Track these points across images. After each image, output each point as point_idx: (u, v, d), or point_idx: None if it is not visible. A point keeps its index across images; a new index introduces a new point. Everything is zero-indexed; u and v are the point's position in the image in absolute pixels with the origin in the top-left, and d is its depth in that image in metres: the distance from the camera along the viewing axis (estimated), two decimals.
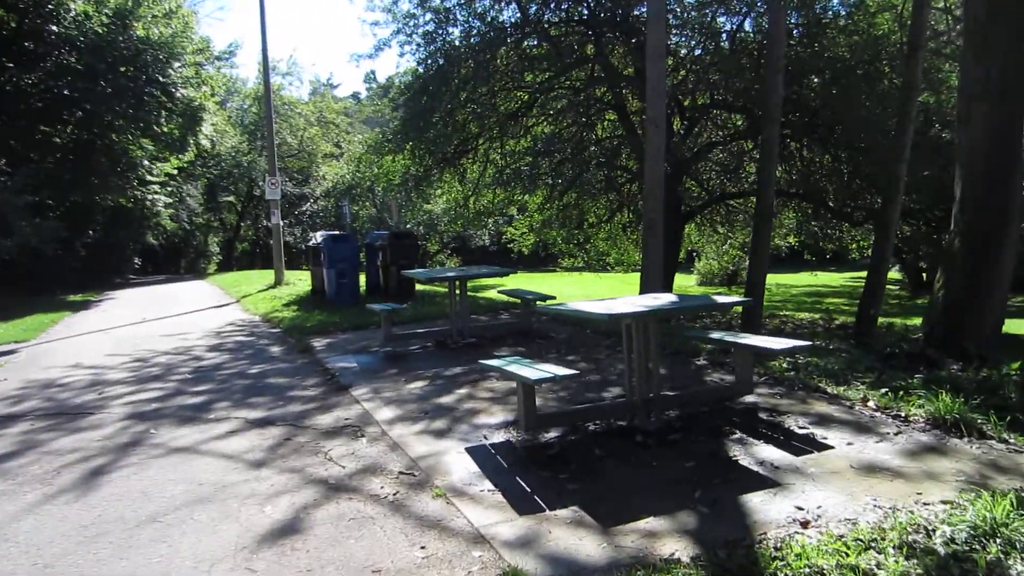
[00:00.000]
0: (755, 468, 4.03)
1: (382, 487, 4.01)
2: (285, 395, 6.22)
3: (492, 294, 14.94)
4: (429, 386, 6.23)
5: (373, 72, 66.32)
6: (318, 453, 4.63)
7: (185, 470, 4.42)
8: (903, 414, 4.84)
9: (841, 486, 3.73)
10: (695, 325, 9.66)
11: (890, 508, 3.42)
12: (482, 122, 14.90)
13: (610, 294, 22.96)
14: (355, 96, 59.56)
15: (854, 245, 15.01)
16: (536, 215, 18.19)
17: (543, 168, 13.46)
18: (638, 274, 26.66)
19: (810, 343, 4.94)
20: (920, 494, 3.60)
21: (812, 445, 4.36)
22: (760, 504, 3.55)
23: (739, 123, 14.25)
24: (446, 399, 5.78)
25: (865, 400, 5.18)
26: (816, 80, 11.88)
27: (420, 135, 14.09)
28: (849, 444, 4.35)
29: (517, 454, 4.46)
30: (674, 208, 13.95)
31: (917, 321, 16.95)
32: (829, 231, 13.64)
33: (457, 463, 4.31)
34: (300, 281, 17.20)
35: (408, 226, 29.84)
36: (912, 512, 3.34)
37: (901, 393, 5.25)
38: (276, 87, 34.66)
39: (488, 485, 3.93)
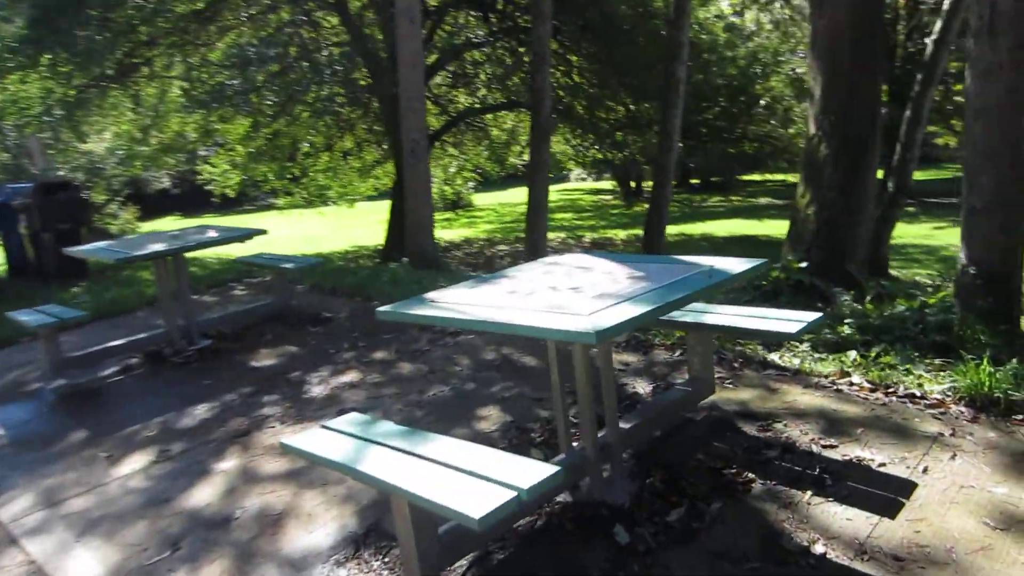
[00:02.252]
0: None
1: None
2: None
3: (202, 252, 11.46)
4: (160, 464, 3.45)
5: None
6: None
7: None
8: (917, 393, 3.44)
9: None
10: None
11: None
12: (154, 25, 11.01)
13: (339, 231, 20.13)
14: None
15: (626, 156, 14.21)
16: (240, 148, 14.69)
17: (259, 80, 10.22)
18: (368, 206, 24.14)
19: (821, 315, 3.25)
20: None
21: (879, 483, 2.71)
22: None
23: (479, 24, 12.30)
24: (204, 492, 3.12)
25: (845, 375, 3.72)
26: None
27: (63, 43, 9.86)
28: (924, 471, 2.78)
29: None
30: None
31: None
32: (614, 144, 12.50)
33: None
34: None
35: (61, 174, 23.45)
36: None
37: (874, 355, 3.90)
38: None
39: None
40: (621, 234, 17.06)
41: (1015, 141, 4.13)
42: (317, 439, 2.45)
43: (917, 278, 8.40)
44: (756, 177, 28.86)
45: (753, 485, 2.77)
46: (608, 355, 2.80)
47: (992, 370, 3.28)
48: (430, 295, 2.83)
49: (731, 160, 15.89)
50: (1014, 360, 3.36)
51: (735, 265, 2.69)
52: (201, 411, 4.04)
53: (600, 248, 14.85)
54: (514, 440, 3.31)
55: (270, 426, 3.72)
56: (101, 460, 3.54)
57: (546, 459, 3.08)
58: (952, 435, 3.04)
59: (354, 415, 2.65)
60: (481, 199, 29.40)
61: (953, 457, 2.86)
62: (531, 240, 10.03)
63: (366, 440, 2.36)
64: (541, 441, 3.27)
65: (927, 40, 8.15)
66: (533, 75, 9.31)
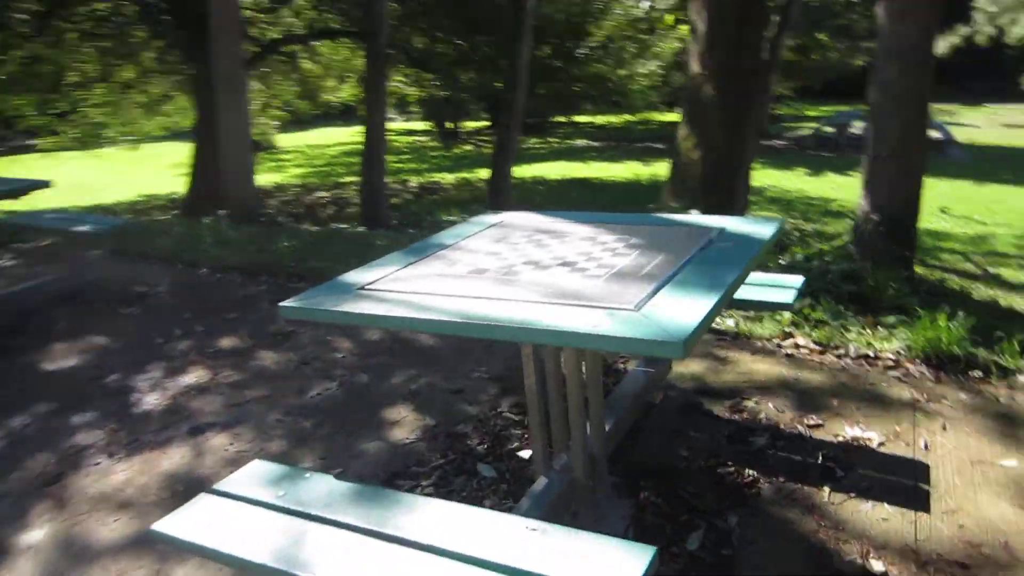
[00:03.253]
0: None
1: None
2: None
3: None
4: None
5: None
6: None
7: None
8: (870, 354, 3.20)
9: None
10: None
11: None
12: None
13: (122, 178, 17.46)
14: None
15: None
16: None
17: None
18: (158, 148, 21.20)
19: (804, 279, 2.82)
20: None
21: (891, 468, 2.38)
22: None
23: None
24: None
25: (788, 336, 3.41)
26: None
27: None
28: (926, 447, 2.50)
29: None
30: None
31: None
32: (452, 81, 11.51)
33: None
34: None
35: None
36: None
37: (805, 312, 3.64)
38: None
39: None
40: (449, 177, 16.29)
41: (924, 85, 4.00)
42: (212, 518, 1.59)
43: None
44: (564, 119, 29.16)
45: (760, 485, 2.32)
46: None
47: (949, 326, 3.10)
48: (352, 278, 1.99)
49: (568, 100, 15.57)
50: (961, 314, 3.21)
51: (750, 227, 2.15)
52: None
53: (431, 193, 14.05)
54: (449, 452, 2.60)
55: (93, 462, 2.67)
56: None
57: (500, 476, 2.44)
58: (927, 400, 2.80)
59: (260, 466, 1.79)
60: (285, 140, 27.08)
61: (944, 428, 2.61)
62: (368, 185, 9.04)
63: (297, 514, 1.55)
64: (486, 451, 2.59)
65: None
66: None
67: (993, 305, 4.19)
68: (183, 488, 2.45)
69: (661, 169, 15.61)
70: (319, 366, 3.40)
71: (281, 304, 1.86)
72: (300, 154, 23.93)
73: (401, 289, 1.85)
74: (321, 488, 1.64)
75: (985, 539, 2.04)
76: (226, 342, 3.75)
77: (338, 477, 1.69)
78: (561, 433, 2.19)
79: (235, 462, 2.60)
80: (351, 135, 30.63)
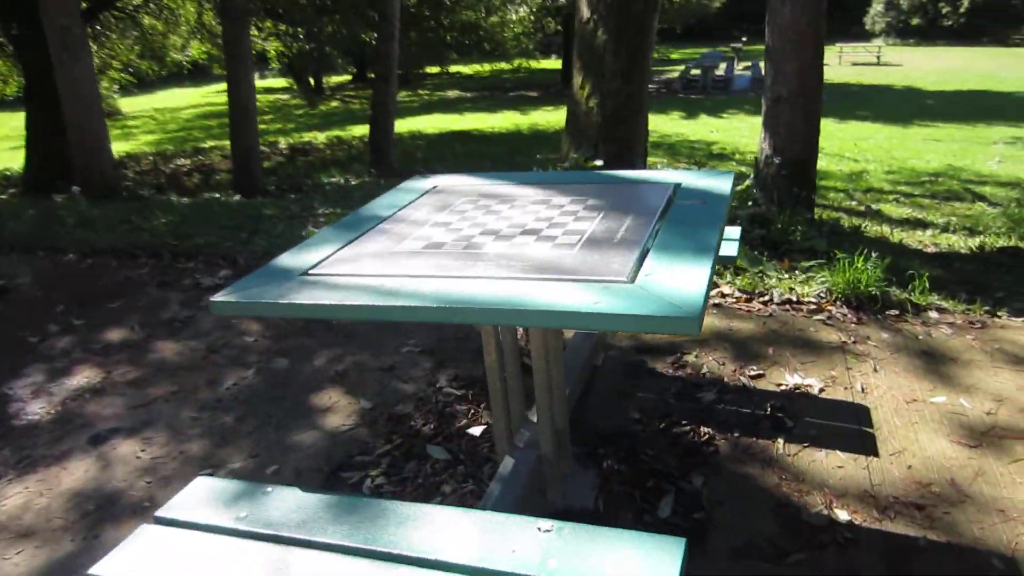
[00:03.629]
0: None
1: None
2: None
3: None
4: None
5: None
6: None
7: None
8: (793, 299, 3.29)
9: None
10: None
11: None
12: None
13: None
14: None
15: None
16: None
17: None
18: None
19: (740, 227, 2.80)
20: None
21: (835, 414, 2.46)
22: None
23: None
24: None
25: (714, 286, 3.44)
26: None
27: None
28: (863, 391, 2.60)
29: None
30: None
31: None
32: (317, 32, 10.73)
33: None
34: None
35: None
36: None
37: (739, 260, 3.69)
38: None
39: None
40: (320, 136, 15.52)
41: (820, 25, 4.08)
42: (162, 552, 1.36)
43: (659, 165, 8.78)
44: (435, 70, 28.40)
45: (716, 442, 2.33)
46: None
47: (866, 267, 3.22)
48: (288, 262, 1.75)
49: (438, 50, 14.97)
50: (874, 255, 3.35)
51: (706, 181, 2.08)
52: None
53: (304, 154, 13.33)
54: (393, 437, 2.43)
55: None
56: None
57: (454, 457, 2.31)
58: (854, 342, 2.92)
59: (205, 483, 1.55)
60: (129, 105, 24.81)
61: (875, 370, 2.72)
62: (239, 149, 8.41)
63: (269, 538, 1.35)
64: (433, 432, 2.44)
65: None
66: None
67: (885, 242, 4.46)
68: (95, 507, 2.15)
69: (540, 118, 15.63)
70: (229, 353, 3.10)
71: (212, 299, 1.60)
72: (149, 119, 22.00)
73: (352, 272, 1.64)
74: (289, 504, 1.44)
75: (933, 478, 2.13)
76: (114, 335, 3.33)
77: (304, 490, 1.49)
78: (518, 408, 2.08)
79: (151, 471, 2.32)
80: (204, 96, 28.39)
